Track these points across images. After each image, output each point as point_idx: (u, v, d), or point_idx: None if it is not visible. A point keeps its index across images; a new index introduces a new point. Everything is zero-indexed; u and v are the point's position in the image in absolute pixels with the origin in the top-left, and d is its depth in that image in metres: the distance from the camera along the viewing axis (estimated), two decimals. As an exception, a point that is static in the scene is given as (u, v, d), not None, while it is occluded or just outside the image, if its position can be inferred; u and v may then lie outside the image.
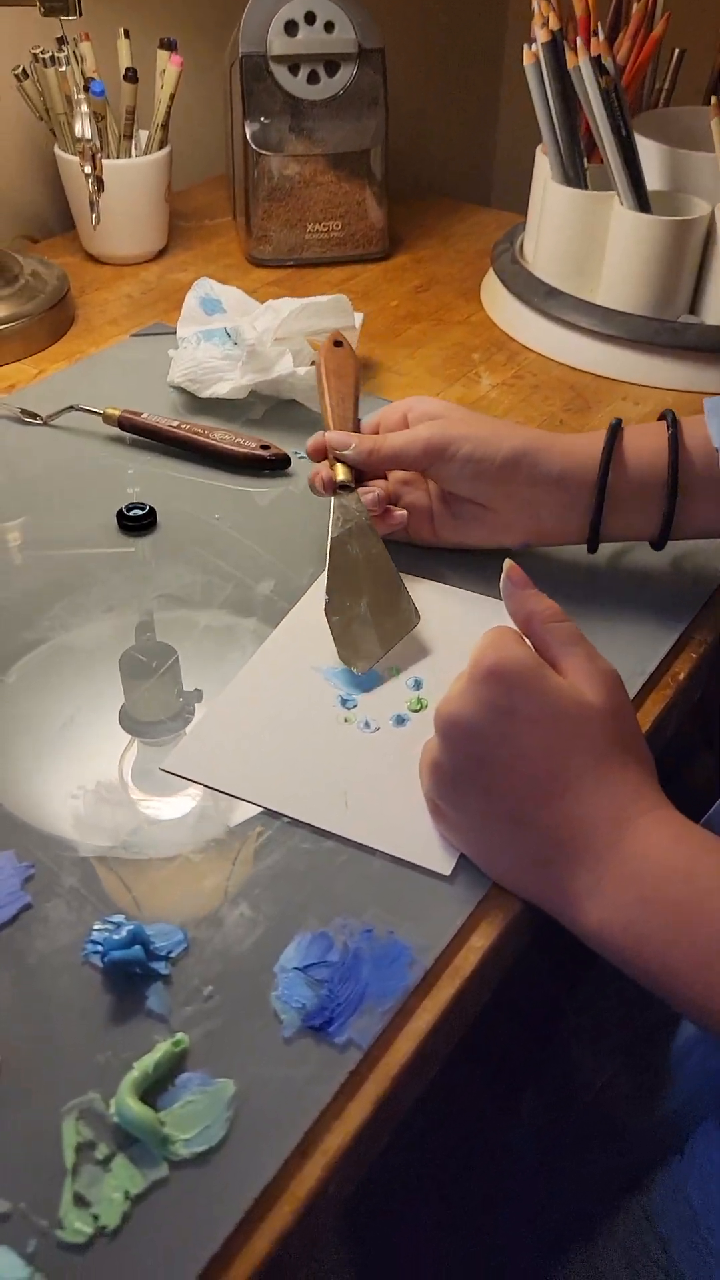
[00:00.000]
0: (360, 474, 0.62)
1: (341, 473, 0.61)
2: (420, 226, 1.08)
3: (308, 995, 0.42)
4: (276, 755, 0.52)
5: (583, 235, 0.83)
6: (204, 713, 0.55)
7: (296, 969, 0.43)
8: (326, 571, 0.59)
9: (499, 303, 0.91)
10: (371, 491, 0.61)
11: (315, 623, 0.58)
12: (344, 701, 0.55)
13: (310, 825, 0.49)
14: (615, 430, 0.58)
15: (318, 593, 0.61)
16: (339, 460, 0.62)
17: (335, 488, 0.61)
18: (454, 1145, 0.63)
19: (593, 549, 0.61)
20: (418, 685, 0.56)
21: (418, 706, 0.55)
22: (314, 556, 0.64)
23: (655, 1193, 0.48)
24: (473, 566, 0.63)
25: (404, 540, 0.64)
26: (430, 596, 0.62)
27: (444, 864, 0.47)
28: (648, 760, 0.45)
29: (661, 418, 0.59)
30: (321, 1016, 0.42)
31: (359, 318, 0.82)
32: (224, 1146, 0.38)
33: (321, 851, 0.48)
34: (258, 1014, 0.42)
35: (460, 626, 0.60)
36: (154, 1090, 0.40)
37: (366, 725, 0.54)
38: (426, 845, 0.48)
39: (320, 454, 0.63)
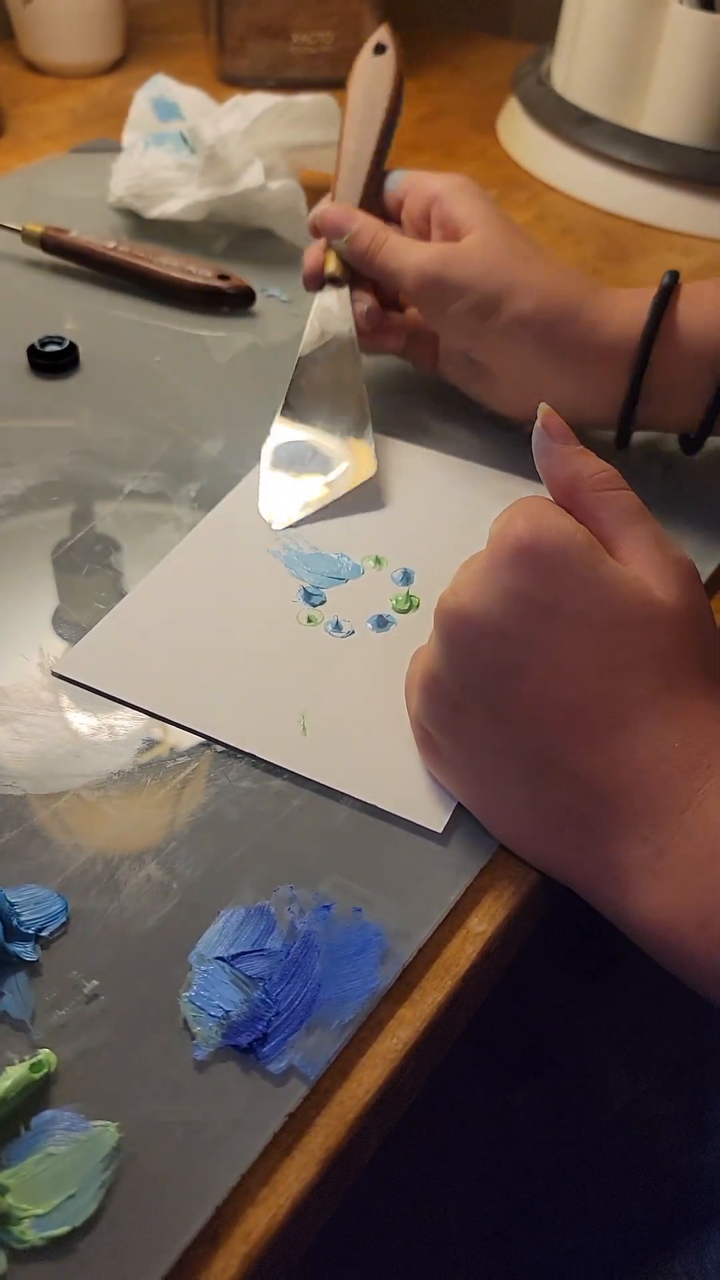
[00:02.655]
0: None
1: (333, 263, 0.47)
2: (428, 54, 0.91)
3: (234, 998, 0.30)
4: (209, 661, 0.39)
5: (628, 45, 0.67)
6: (119, 603, 0.41)
7: (220, 959, 0.31)
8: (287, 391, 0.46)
9: (520, 135, 0.75)
10: (364, 301, 0.47)
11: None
12: (308, 596, 0.42)
13: (252, 757, 0.36)
14: (668, 292, 0.43)
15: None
16: (331, 247, 0.48)
17: (322, 281, 0.48)
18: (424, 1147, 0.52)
19: (623, 443, 0.47)
20: (407, 579, 0.43)
21: (406, 606, 0.42)
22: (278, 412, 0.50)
23: (707, 1258, 0.36)
24: (479, 431, 0.49)
25: (399, 358, 0.51)
26: (419, 464, 0.48)
27: (434, 817, 0.34)
28: None
29: None
30: (252, 1031, 0.29)
31: (350, 133, 0.66)
32: (95, 1227, 0.26)
33: (266, 794, 0.35)
34: (160, 1025, 0.29)
35: (465, 506, 0.46)
36: (-3, 1137, 0.27)
37: (337, 628, 0.40)
38: (411, 790, 0.35)
39: (319, 231, 0.49)
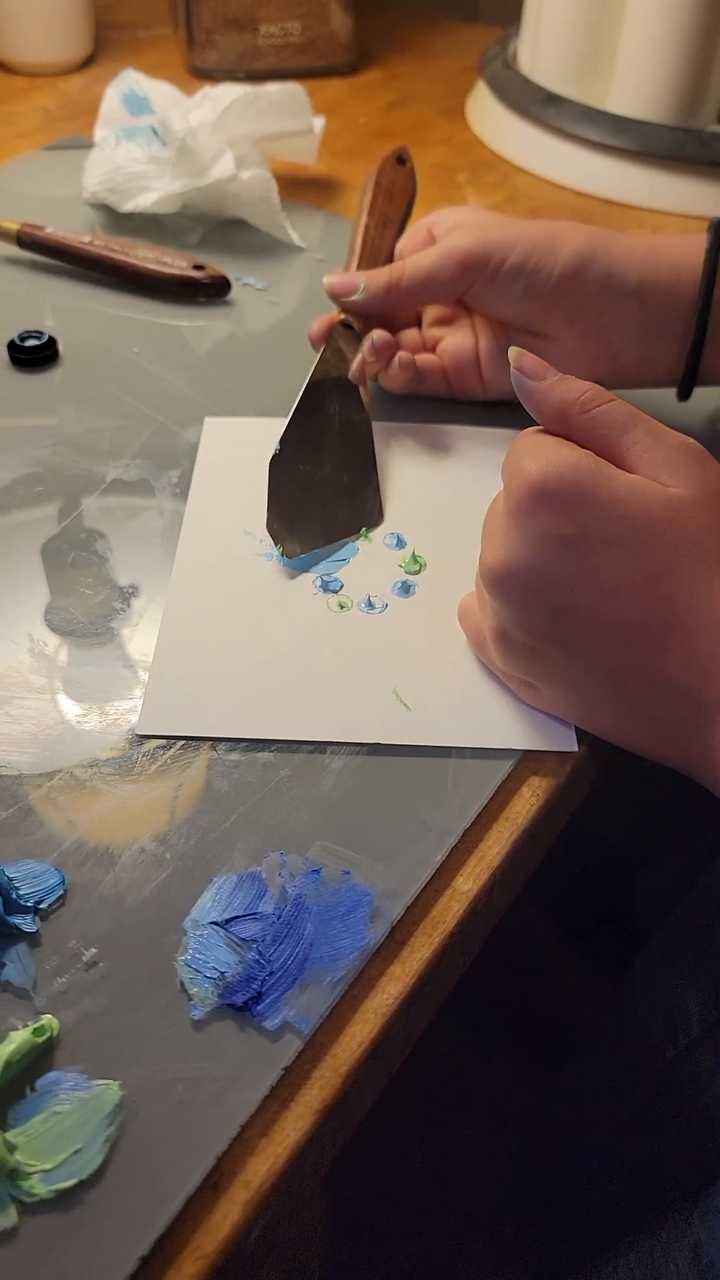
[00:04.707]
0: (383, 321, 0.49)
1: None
2: (394, 41, 0.92)
3: (229, 960, 0.31)
4: (275, 675, 0.38)
5: (592, 24, 0.68)
6: (155, 653, 0.39)
7: (215, 924, 0.31)
8: (289, 419, 0.45)
9: (489, 117, 0.76)
10: (379, 335, 0.47)
11: (235, 470, 0.46)
12: (325, 585, 0.42)
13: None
14: (719, 228, 0.44)
15: (234, 428, 0.48)
16: (346, 310, 0.48)
17: (333, 328, 0.48)
18: (469, 1112, 0.53)
19: (685, 394, 0.46)
20: (400, 542, 0.44)
21: (415, 568, 0.43)
22: (257, 399, 0.51)
23: None
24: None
25: (445, 396, 0.50)
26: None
27: (564, 740, 0.37)
28: None
29: None
30: (247, 990, 0.30)
31: (319, 121, 0.67)
32: (101, 1180, 0.27)
33: (254, 765, 0.36)
34: (158, 988, 0.30)
35: (413, 461, 0.47)
36: (3, 1097, 0.28)
37: (370, 605, 0.41)
38: (529, 724, 0.37)
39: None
